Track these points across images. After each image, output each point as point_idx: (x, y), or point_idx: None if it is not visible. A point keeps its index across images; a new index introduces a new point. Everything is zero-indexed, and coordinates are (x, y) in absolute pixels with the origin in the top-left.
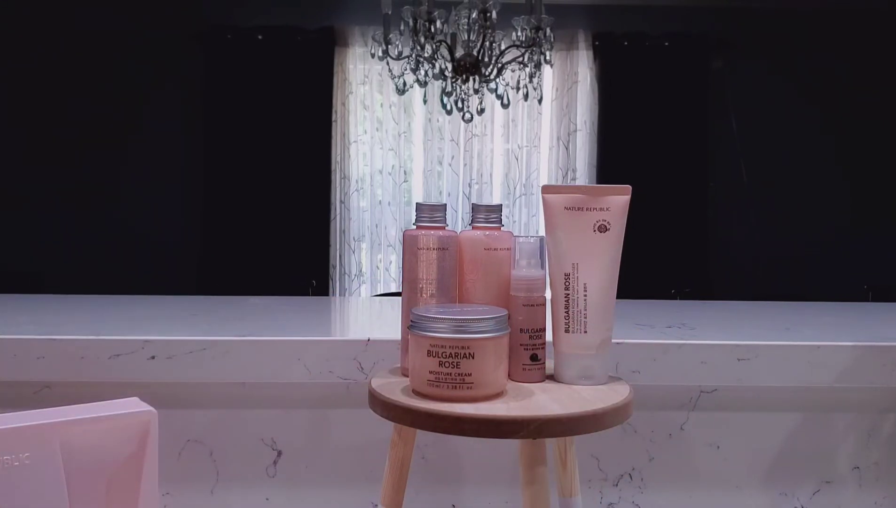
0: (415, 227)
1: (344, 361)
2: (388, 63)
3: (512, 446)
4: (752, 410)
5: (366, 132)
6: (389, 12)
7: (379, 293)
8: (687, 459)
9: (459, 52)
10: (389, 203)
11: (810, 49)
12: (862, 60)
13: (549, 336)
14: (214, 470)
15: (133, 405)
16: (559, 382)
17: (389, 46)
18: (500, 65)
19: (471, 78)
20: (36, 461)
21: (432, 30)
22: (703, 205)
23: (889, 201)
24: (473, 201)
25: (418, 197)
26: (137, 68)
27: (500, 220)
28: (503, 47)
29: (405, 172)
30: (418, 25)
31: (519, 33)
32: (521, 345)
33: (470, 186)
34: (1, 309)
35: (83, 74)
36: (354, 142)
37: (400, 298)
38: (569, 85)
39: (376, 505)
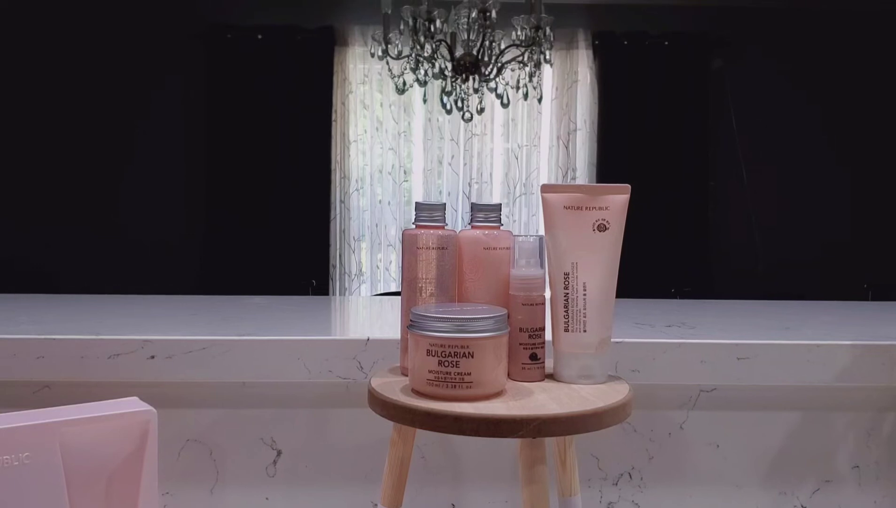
0: (414, 226)
1: (343, 360)
2: (387, 62)
3: (512, 445)
4: (751, 409)
5: (366, 132)
6: (389, 12)
7: (379, 293)
8: (686, 458)
9: (459, 52)
10: (389, 203)
11: (810, 49)
12: (863, 60)
13: (548, 335)
14: (214, 470)
15: (132, 405)
16: (559, 381)
17: (389, 46)
18: (499, 64)
19: (470, 77)
20: (36, 460)
21: (432, 29)
22: (704, 204)
23: (889, 200)
24: (473, 200)
25: (418, 196)
26: (138, 68)
27: (500, 219)
28: (503, 47)
29: (405, 172)
30: (418, 25)
31: (518, 33)
32: (520, 344)
33: (470, 185)
34: (1, 309)
35: (83, 74)
36: (354, 141)
37: (399, 297)
38: (568, 84)
39: (376, 505)
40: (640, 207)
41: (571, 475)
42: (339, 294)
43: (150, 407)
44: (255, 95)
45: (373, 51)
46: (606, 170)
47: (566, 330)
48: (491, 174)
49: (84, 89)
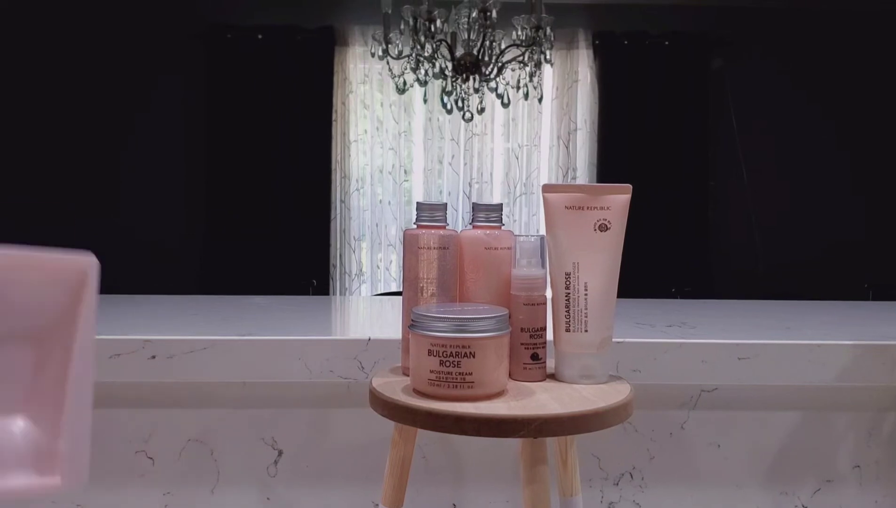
0: (415, 226)
1: (344, 360)
2: (388, 62)
3: (513, 445)
4: (752, 409)
5: (366, 131)
6: (389, 11)
7: (379, 293)
8: (687, 458)
9: (460, 52)
10: (390, 202)
11: (811, 48)
12: (863, 60)
13: (549, 335)
14: (215, 470)
15: (67, 252)
16: (560, 381)
17: (389, 46)
18: (500, 64)
19: (471, 77)
20: None
21: (432, 29)
22: (704, 204)
23: (890, 199)
24: (474, 200)
25: (418, 196)
26: (138, 68)
27: (501, 219)
28: (503, 46)
29: (405, 172)
30: (418, 24)
31: (519, 32)
32: (521, 344)
33: (470, 185)
34: None
35: (83, 74)
36: (354, 141)
37: (400, 297)
38: (569, 84)
39: (377, 505)
40: (640, 207)
41: (572, 474)
42: (340, 294)
43: (88, 253)
44: (255, 95)
45: (373, 51)
46: (607, 170)
47: (567, 330)
48: (491, 174)
49: (84, 89)
